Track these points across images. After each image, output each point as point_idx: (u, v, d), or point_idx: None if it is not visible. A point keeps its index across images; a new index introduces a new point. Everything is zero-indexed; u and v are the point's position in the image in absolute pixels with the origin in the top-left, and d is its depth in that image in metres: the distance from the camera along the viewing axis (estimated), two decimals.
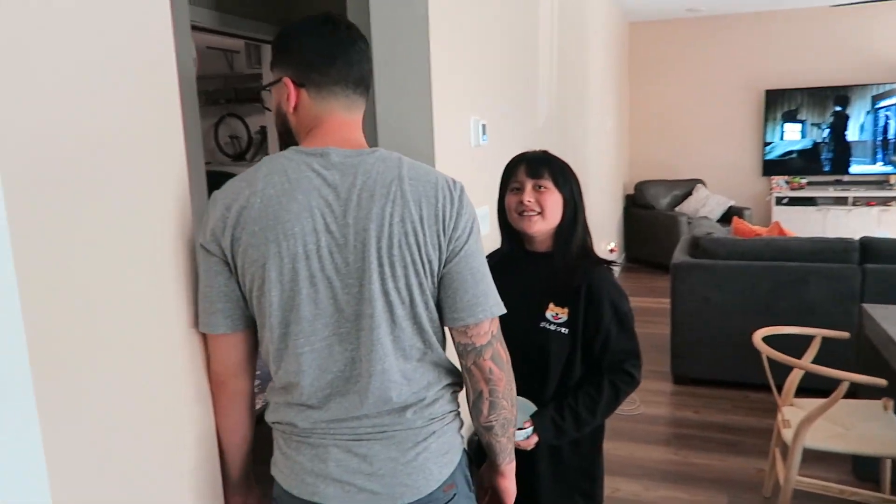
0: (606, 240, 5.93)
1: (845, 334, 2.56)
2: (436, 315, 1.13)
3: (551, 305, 1.57)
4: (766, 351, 2.37)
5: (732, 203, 6.84)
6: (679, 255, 3.83)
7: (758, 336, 2.48)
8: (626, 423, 3.28)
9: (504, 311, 1.15)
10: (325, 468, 1.09)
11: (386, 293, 1.08)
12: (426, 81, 2.05)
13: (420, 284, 1.09)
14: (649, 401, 3.56)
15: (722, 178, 7.37)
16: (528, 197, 1.56)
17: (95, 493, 0.97)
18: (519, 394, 1.54)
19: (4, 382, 0.85)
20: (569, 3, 4.15)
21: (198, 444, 1.14)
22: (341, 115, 1.13)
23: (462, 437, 1.21)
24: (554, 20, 3.75)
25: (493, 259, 1.67)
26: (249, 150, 8.03)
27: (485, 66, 2.56)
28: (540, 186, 1.56)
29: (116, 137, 1.03)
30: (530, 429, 1.51)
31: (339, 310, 1.08)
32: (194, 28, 3.04)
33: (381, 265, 1.07)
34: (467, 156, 2.37)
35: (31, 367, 0.88)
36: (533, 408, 1.54)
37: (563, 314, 1.56)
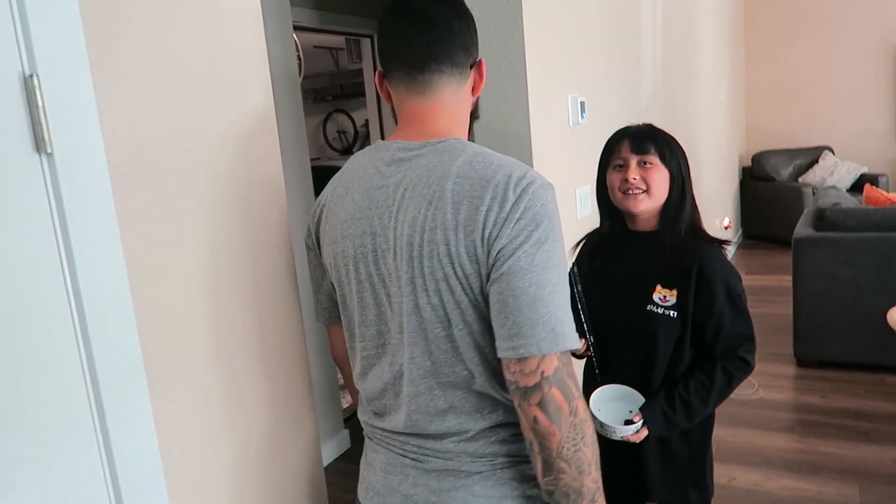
0: (721, 216, 5.62)
1: None
2: (484, 339, 0.95)
3: (659, 287, 1.48)
4: None
5: (865, 170, 6.28)
6: (802, 229, 3.56)
7: (893, 314, 2.27)
8: (744, 409, 3.11)
9: (571, 346, 0.90)
10: (374, 476, 1.07)
11: (419, 309, 0.95)
12: (521, 60, 2.02)
13: (458, 303, 0.93)
14: (769, 385, 3.35)
15: (852, 143, 6.76)
16: (633, 174, 1.47)
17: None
18: (625, 382, 1.49)
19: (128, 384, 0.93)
20: None
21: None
22: (412, 102, 1.03)
23: (529, 495, 1.00)
24: None
25: (593, 240, 1.63)
26: (356, 144, 8.29)
27: (582, 40, 2.48)
28: (645, 163, 1.47)
29: (212, 139, 1.09)
30: (640, 422, 1.43)
31: (383, 321, 1.01)
32: (296, 28, 3.16)
33: (413, 277, 0.95)
34: (565, 135, 2.32)
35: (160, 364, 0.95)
36: (641, 399, 1.46)
37: (671, 297, 1.47)
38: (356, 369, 1.09)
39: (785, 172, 6.46)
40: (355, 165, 1.06)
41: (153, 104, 0.99)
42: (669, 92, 3.86)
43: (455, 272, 0.92)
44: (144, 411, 0.96)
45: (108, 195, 0.91)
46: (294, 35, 3.42)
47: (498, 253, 0.90)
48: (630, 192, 1.48)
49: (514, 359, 0.89)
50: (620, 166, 1.50)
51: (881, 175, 6.16)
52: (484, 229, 0.90)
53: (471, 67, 1.05)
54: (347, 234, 1.01)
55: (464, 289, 0.93)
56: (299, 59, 5.18)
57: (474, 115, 1.10)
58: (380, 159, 1.02)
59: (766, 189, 6.32)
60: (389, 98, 1.07)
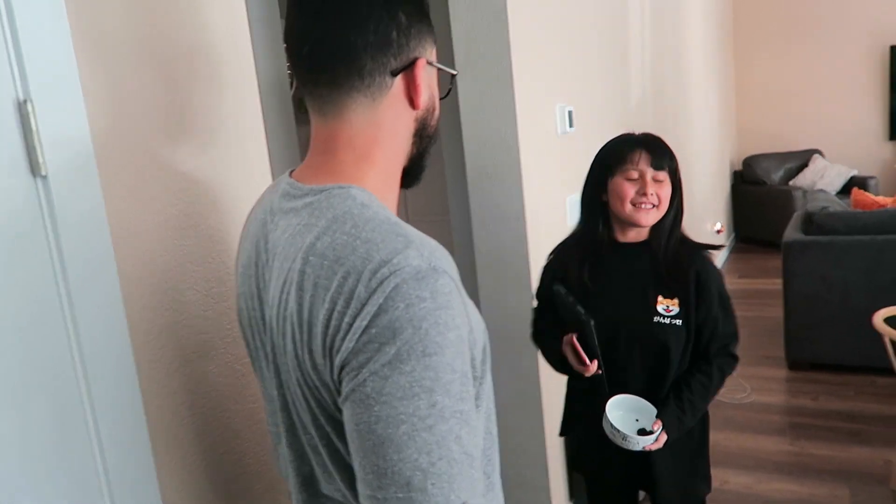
0: (713, 220, 5.66)
1: None
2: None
3: (660, 298, 1.51)
4: (889, 333, 2.20)
5: (855, 173, 6.33)
6: (791, 233, 3.60)
7: (878, 317, 2.30)
8: (737, 412, 3.14)
9: None
10: None
11: (287, 406, 0.78)
12: (507, 70, 2.05)
13: (314, 415, 0.73)
14: (761, 388, 3.38)
15: (842, 146, 6.82)
16: (651, 189, 1.46)
17: None
18: (637, 393, 1.49)
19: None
20: None
21: None
22: (315, 121, 0.78)
23: None
24: None
25: (578, 249, 1.61)
26: None
27: (570, 49, 2.51)
28: (658, 178, 1.48)
29: (202, 142, 1.11)
30: (658, 429, 1.44)
31: (271, 400, 0.83)
32: None
33: (277, 372, 0.77)
34: (553, 144, 2.35)
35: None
36: (653, 409, 1.48)
37: (674, 306, 1.50)
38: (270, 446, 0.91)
39: (776, 176, 6.50)
40: (258, 201, 0.87)
41: (141, 118, 1.01)
42: (659, 97, 3.90)
43: (304, 379, 0.72)
44: (140, 425, 0.98)
45: (102, 215, 0.93)
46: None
47: (341, 369, 0.66)
48: (643, 205, 1.48)
49: None
50: (635, 179, 1.48)
51: (871, 177, 6.21)
52: (325, 334, 0.67)
53: (396, 74, 0.75)
54: (242, 292, 0.83)
55: (317, 399, 0.72)
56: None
57: (425, 136, 0.81)
58: (272, 201, 0.81)
59: (758, 193, 6.37)
60: None
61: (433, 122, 0.81)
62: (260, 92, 1.27)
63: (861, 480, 2.52)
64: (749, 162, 6.55)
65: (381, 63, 0.73)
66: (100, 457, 0.92)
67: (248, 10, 1.23)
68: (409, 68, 0.75)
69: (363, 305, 0.64)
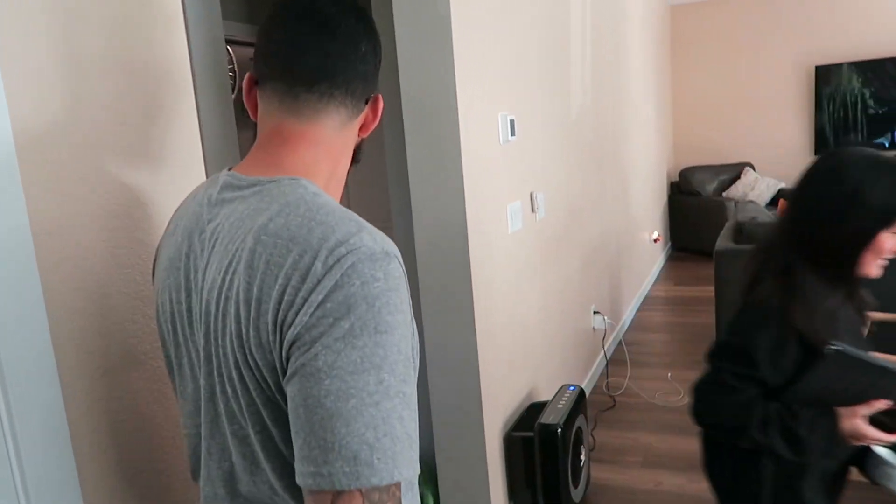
0: (650, 229, 5.83)
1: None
2: (288, 448, 0.73)
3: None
4: None
5: (783, 185, 6.64)
6: (722, 242, 3.74)
7: None
8: (671, 415, 3.24)
9: (384, 479, 0.65)
10: None
11: (214, 397, 0.78)
12: (451, 79, 2.07)
13: (252, 399, 0.73)
14: None
15: (771, 160, 7.15)
16: None
17: None
18: None
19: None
20: None
21: None
22: (282, 121, 0.81)
23: None
24: (587, 11, 3.71)
25: (827, 309, 1.27)
26: None
27: (513, 60, 2.56)
28: None
29: (137, 148, 1.08)
30: None
31: (191, 399, 0.84)
32: (230, 42, 3.14)
33: (210, 356, 0.76)
34: (496, 152, 2.39)
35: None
36: None
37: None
38: (185, 453, 0.90)
39: (710, 187, 6.76)
40: (189, 197, 0.88)
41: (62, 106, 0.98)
42: (598, 109, 4.00)
43: (246, 359, 0.71)
44: (62, 432, 0.94)
45: (23, 213, 0.90)
46: (229, 49, 3.38)
47: (291, 345, 0.67)
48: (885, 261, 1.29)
49: (307, 490, 0.67)
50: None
51: None
52: (278, 309, 0.68)
53: (366, 102, 0.86)
54: (166, 285, 0.83)
55: (258, 381, 0.72)
56: (234, 72, 5.13)
57: (355, 160, 0.89)
58: (209, 194, 0.82)
59: (693, 203, 6.60)
60: (255, 110, 0.86)
61: (361, 149, 0.91)
62: (196, 95, 1.24)
63: None
64: (685, 174, 6.78)
65: (365, 90, 0.85)
66: (17, 468, 0.88)
67: (185, 19, 1.21)
68: (373, 101, 0.87)
69: (319, 281, 0.67)
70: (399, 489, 0.67)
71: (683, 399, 3.41)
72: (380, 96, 0.88)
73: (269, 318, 0.68)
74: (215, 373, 0.76)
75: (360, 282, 0.67)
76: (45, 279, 0.93)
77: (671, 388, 3.57)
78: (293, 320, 0.67)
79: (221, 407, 0.77)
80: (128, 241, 1.07)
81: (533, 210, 2.76)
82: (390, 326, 0.67)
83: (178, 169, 1.18)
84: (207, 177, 1.25)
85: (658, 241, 6.12)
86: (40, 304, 0.92)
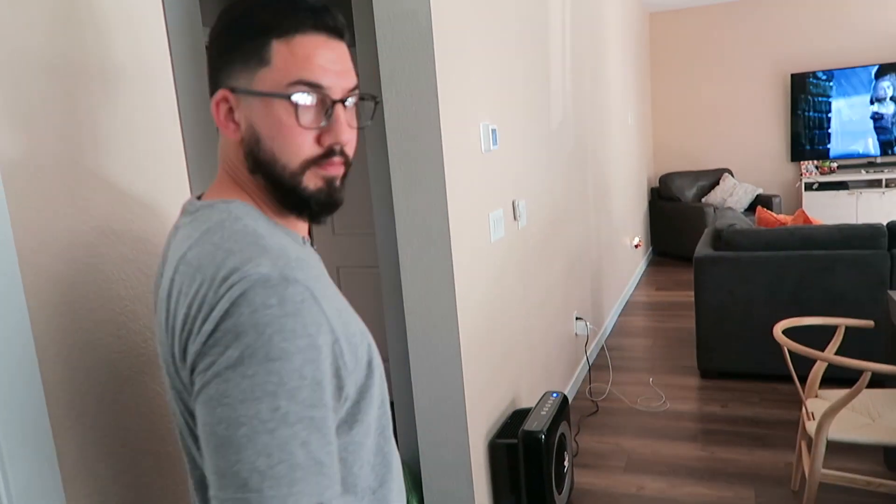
0: (631, 235, 5.89)
1: (869, 323, 2.52)
2: None
3: None
4: (787, 343, 2.35)
5: (760, 191, 6.74)
6: (702, 248, 3.80)
7: (778, 328, 2.46)
8: (652, 420, 3.28)
9: None
10: None
11: (175, 416, 0.81)
12: (433, 89, 2.09)
13: (186, 422, 0.77)
14: (675, 396, 3.54)
15: (749, 166, 7.27)
16: None
17: None
18: None
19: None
20: (583, 0, 4.14)
21: None
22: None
23: None
24: (566, 20, 3.75)
25: None
26: None
27: (495, 70, 2.59)
28: None
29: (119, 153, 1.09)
30: None
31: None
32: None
33: (169, 384, 0.79)
34: (478, 161, 2.41)
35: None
36: None
37: None
38: None
39: (689, 193, 6.84)
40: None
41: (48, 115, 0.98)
42: (579, 117, 4.05)
43: (174, 385, 0.76)
44: (47, 448, 0.94)
45: (7, 229, 0.90)
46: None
47: (191, 373, 0.70)
48: None
49: None
50: None
51: (775, 196, 6.63)
52: (180, 338, 0.72)
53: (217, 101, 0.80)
54: (154, 301, 0.86)
55: (184, 403, 0.76)
56: None
57: (263, 165, 0.78)
58: (179, 218, 0.85)
59: (673, 209, 6.68)
60: None
61: (264, 154, 0.77)
62: (179, 107, 1.25)
63: (765, 482, 2.67)
64: (665, 179, 6.87)
65: (212, 89, 0.80)
66: (3, 483, 0.88)
67: (166, 24, 1.22)
68: (215, 99, 0.79)
69: (211, 310, 0.68)
70: None
71: (665, 404, 3.45)
72: (220, 91, 0.79)
73: (177, 348, 0.72)
74: (170, 392, 0.80)
75: (250, 310, 0.66)
76: (29, 296, 0.93)
77: (653, 392, 3.61)
78: (190, 349, 0.69)
79: (176, 427, 0.82)
80: (112, 256, 1.08)
81: (515, 218, 2.78)
82: (285, 353, 0.66)
83: (161, 181, 1.18)
84: (191, 188, 1.26)
85: (639, 247, 6.18)
86: (25, 320, 0.92)
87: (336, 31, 0.77)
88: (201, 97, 2.55)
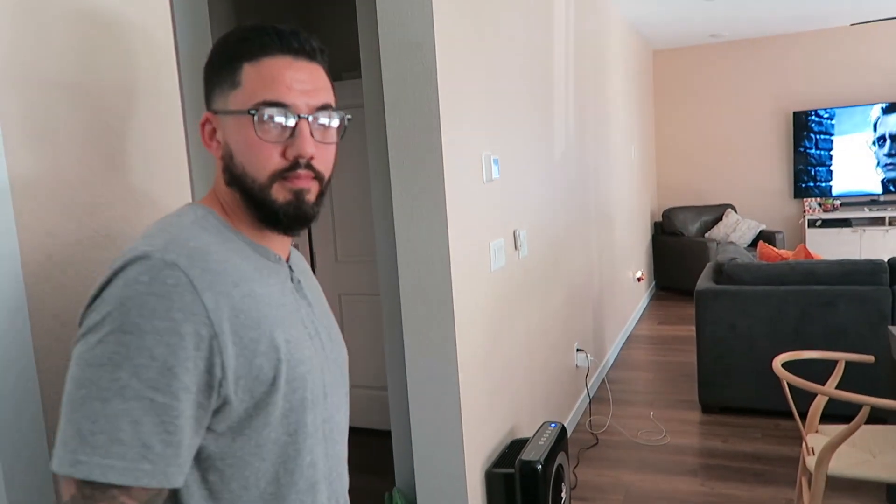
0: (633, 269, 5.90)
1: (870, 358, 2.51)
2: None
3: None
4: (787, 377, 2.34)
5: (763, 227, 6.76)
6: (703, 282, 3.80)
7: (778, 362, 2.45)
8: (653, 454, 3.25)
9: (94, 475, 0.67)
10: None
11: None
12: (435, 119, 2.13)
13: None
14: (676, 430, 3.51)
15: (752, 202, 7.30)
16: None
17: None
18: None
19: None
20: (587, 37, 4.22)
21: None
22: None
23: None
24: (570, 54, 3.82)
25: None
26: None
27: (498, 101, 2.63)
28: None
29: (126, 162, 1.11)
30: None
31: None
32: None
33: None
34: (479, 191, 2.44)
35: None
36: None
37: None
38: None
39: (693, 228, 6.87)
40: None
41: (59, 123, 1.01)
42: (582, 149, 4.10)
43: None
44: (43, 462, 0.95)
45: (13, 244, 0.92)
46: None
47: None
48: None
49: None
50: None
51: (778, 232, 6.65)
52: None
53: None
54: None
55: None
56: None
57: (236, 179, 0.84)
58: None
59: (676, 243, 6.70)
60: None
61: (237, 168, 0.83)
62: (185, 119, 1.28)
63: None
64: (668, 214, 6.90)
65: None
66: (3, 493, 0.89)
67: (175, 43, 1.26)
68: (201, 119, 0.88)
69: (101, 285, 0.73)
70: (126, 495, 0.68)
71: (665, 438, 3.42)
72: (205, 116, 0.87)
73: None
74: None
75: (123, 282, 0.71)
76: (32, 308, 0.95)
77: (653, 426, 3.59)
78: (81, 317, 0.74)
79: None
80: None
81: (516, 247, 2.81)
82: (139, 329, 0.69)
83: (164, 190, 1.21)
84: (193, 196, 1.29)
85: (641, 280, 6.18)
86: (27, 332, 0.93)
87: (304, 53, 0.83)
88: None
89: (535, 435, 2.53)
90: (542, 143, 3.26)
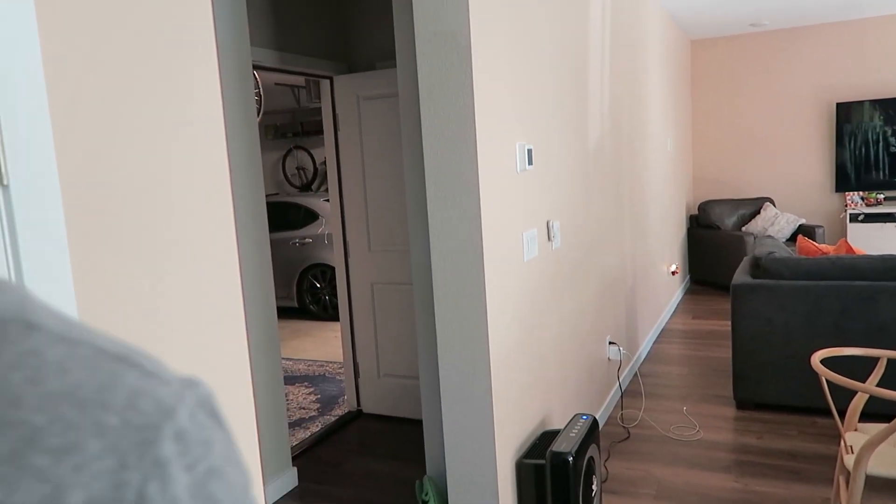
0: (668, 262, 5.82)
1: None
2: None
3: None
4: (825, 373, 2.29)
5: (803, 221, 6.61)
6: (740, 276, 3.74)
7: (816, 357, 2.40)
8: (685, 449, 3.21)
9: None
10: None
11: None
12: (470, 109, 2.13)
13: None
14: (710, 426, 3.47)
15: (792, 195, 7.14)
16: None
17: None
18: None
19: None
20: (623, 27, 4.16)
21: None
22: None
23: None
24: (606, 43, 3.77)
25: None
26: (315, 181, 8.34)
27: (532, 90, 2.62)
28: None
29: (160, 177, 1.14)
30: None
31: None
32: (256, 67, 3.24)
33: None
34: (512, 181, 2.43)
35: None
36: None
37: None
38: None
39: (729, 221, 6.74)
40: None
41: (107, 145, 1.04)
42: (617, 140, 4.05)
43: None
44: None
45: (61, 229, 0.95)
46: (255, 73, 3.47)
47: None
48: None
49: None
50: None
51: (818, 226, 6.49)
52: None
53: None
54: None
55: None
56: (259, 96, 5.27)
57: None
58: None
59: (712, 237, 6.59)
60: None
61: None
62: (225, 120, 1.31)
63: None
64: (704, 207, 6.78)
65: None
66: None
67: (216, 39, 1.28)
68: None
69: None
70: None
71: (698, 433, 3.38)
72: None
73: None
74: None
75: None
76: (81, 307, 0.98)
77: (686, 421, 3.55)
78: None
79: None
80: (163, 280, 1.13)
81: (549, 238, 2.79)
82: None
83: (204, 195, 1.23)
84: (234, 202, 1.30)
85: (676, 274, 6.10)
86: (73, 312, 0.96)
87: None
88: (245, 113, 2.63)
89: (566, 427, 2.52)
90: (577, 134, 3.23)
